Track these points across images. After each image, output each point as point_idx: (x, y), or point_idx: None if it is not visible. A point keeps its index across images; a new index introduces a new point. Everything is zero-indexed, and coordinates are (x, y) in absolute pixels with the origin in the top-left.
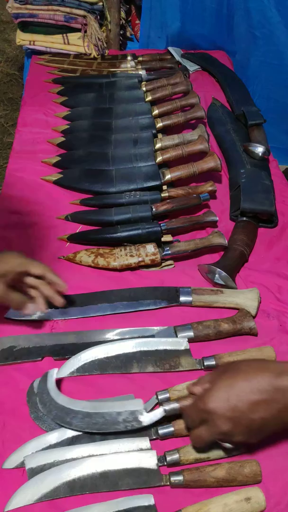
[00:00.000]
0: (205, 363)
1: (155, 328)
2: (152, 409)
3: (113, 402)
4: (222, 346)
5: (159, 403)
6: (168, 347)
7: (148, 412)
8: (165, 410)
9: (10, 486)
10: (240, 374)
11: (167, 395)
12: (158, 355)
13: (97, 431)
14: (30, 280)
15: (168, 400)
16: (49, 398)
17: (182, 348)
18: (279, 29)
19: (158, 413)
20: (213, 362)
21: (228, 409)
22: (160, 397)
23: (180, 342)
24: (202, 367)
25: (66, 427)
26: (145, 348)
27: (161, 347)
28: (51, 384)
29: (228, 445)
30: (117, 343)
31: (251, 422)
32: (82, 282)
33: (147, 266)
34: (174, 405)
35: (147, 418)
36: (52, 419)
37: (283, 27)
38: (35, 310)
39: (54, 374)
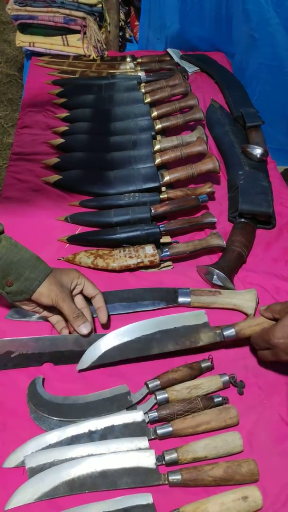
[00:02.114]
0: (225, 334)
1: None
2: (143, 398)
3: (100, 392)
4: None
5: (150, 393)
6: (187, 323)
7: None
8: (148, 387)
9: (10, 485)
10: None
11: (157, 382)
12: (178, 333)
13: (92, 417)
14: (78, 299)
15: (158, 387)
16: (41, 400)
17: (201, 322)
18: (278, 30)
19: (144, 391)
20: (233, 333)
21: None
22: (150, 385)
23: (199, 316)
24: (223, 339)
25: (63, 420)
26: (164, 328)
27: (179, 324)
28: (40, 388)
29: None
30: (134, 325)
31: None
32: None
33: (146, 267)
34: (156, 382)
35: (134, 397)
36: (49, 415)
37: (281, 28)
38: (85, 329)
39: (40, 380)
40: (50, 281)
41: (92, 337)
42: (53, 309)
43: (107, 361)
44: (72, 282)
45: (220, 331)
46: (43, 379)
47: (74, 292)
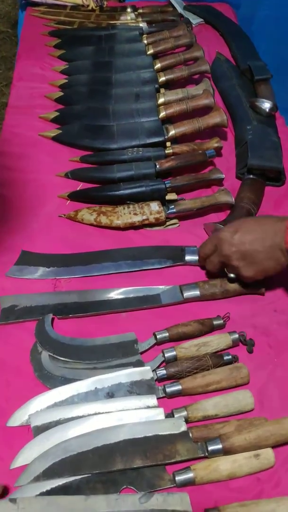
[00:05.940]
0: (210, 449)
1: (160, 287)
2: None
3: (108, 337)
4: (229, 306)
5: (157, 344)
6: (161, 432)
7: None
8: (156, 337)
9: (15, 444)
10: (251, 219)
11: (166, 334)
12: (148, 444)
13: (97, 361)
14: None
15: (166, 338)
16: (48, 338)
17: (179, 431)
18: None
19: (151, 341)
20: (220, 448)
21: (232, 238)
22: (158, 336)
23: (176, 424)
24: (206, 454)
25: (67, 360)
26: (130, 436)
27: (151, 433)
28: (48, 326)
29: (231, 275)
30: (91, 432)
31: (247, 251)
32: (84, 240)
33: (151, 225)
34: (164, 334)
35: (141, 346)
36: (54, 354)
37: None
38: None
39: (49, 318)
40: None
41: (94, 292)
42: None
43: (52, 478)
44: None
45: (203, 443)
46: (53, 319)
47: None
